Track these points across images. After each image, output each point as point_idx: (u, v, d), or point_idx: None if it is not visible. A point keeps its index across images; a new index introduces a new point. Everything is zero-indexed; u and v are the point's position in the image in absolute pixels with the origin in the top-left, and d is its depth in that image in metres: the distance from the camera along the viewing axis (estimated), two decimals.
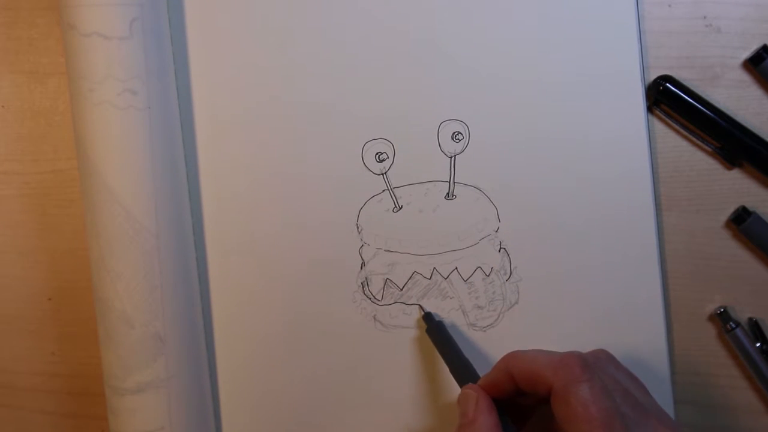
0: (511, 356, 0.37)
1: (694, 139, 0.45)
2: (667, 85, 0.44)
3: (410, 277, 0.45)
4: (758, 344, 0.44)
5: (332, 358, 0.46)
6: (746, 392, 0.46)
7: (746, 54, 0.45)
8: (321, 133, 0.45)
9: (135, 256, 0.42)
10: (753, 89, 0.45)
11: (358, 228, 0.45)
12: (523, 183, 0.45)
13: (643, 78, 0.44)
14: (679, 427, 0.38)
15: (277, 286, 0.46)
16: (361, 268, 0.46)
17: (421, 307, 0.45)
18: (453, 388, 0.45)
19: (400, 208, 0.45)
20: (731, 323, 0.44)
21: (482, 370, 0.45)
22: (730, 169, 0.45)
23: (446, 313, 0.45)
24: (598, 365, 0.35)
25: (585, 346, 0.44)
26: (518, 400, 0.38)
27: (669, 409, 0.44)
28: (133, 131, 0.41)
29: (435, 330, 0.44)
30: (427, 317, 0.44)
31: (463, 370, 0.41)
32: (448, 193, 0.45)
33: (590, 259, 0.45)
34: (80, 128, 0.42)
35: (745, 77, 0.45)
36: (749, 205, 0.45)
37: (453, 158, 0.45)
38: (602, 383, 0.33)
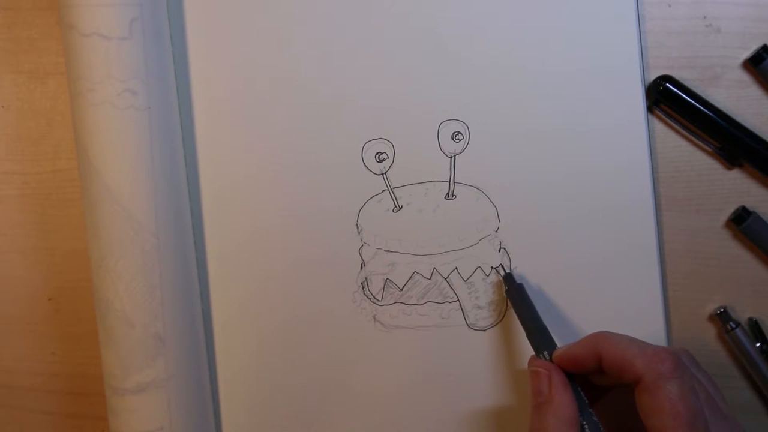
0: (603, 336, 0.36)
1: (694, 139, 0.45)
2: (667, 85, 0.44)
3: (410, 277, 0.45)
4: (758, 344, 0.44)
5: (332, 358, 0.46)
6: (746, 392, 0.46)
7: (746, 54, 0.45)
8: (321, 132, 0.45)
9: (135, 256, 0.42)
10: (753, 89, 0.45)
11: (358, 228, 0.46)
12: (524, 183, 0.45)
13: (643, 78, 0.44)
14: None
15: (277, 286, 0.46)
16: (361, 268, 0.46)
17: (502, 266, 0.45)
18: (453, 388, 0.45)
19: (400, 208, 0.45)
20: (731, 323, 0.44)
21: (483, 371, 0.45)
22: (730, 169, 0.45)
23: (446, 313, 0.45)
24: (686, 366, 0.35)
25: None
26: (592, 378, 0.38)
27: None
28: (133, 131, 0.41)
29: (515, 292, 0.43)
30: (508, 278, 0.44)
31: (539, 336, 0.40)
32: (448, 193, 0.45)
33: (590, 259, 0.45)
34: (80, 128, 0.42)
35: (745, 77, 0.45)
36: (749, 205, 0.45)
37: (453, 158, 0.45)
38: (691, 383, 0.34)
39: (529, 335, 0.41)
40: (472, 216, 0.45)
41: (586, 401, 0.37)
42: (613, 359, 0.35)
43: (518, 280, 0.44)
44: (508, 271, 0.45)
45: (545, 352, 0.39)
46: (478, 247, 0.45)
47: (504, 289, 0.44)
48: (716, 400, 0.35)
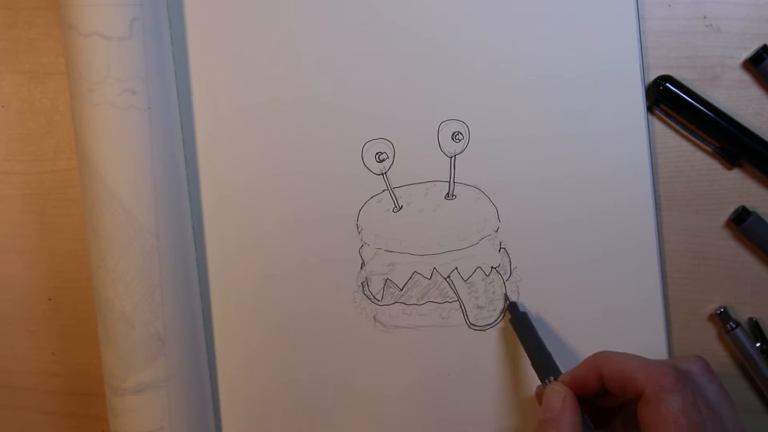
0: (603, 355, 0.36)
1: (694, 139, 0.45)
2: (667, 85, 0.44)
3: (410, 277, 0.45)
4: (758, 344, 0.44)
5: (332, 358, 0.46)
6: (746, 392, 0.46)
7: (746, 54, 0.45)
8: (321, 133, 0.45)
9: (135, 256, 0.42)
10: (753, 89, 0.45)
11: (358, 228, 0.46)
12: (524, 183, 0.45)
13: (643, 78, 0.44)
14: None
15: (277, 286, 0.46)
16: (361, 268, 0.46)
17: (506, 296, 0.45)
18: (453, 388, 0.45)
19: (400, 208, 0.45)
20: (731, 323, 0.44)
21: (483, 371, 0.45)
22: (730, 169, 0.45)
23: (446, 313, 0.45)
24: (691, 377, 0.35)
25: (585, 346, 0.44)
26: (597, 401, 0.38)
27: None
28: (133, 131, 0.41)
29: (519, 320, 0.43)
30: (512, 307, 0.44)
31: (545, 364, 0.40)
32: (448, 193, 0.45)
33: (590, 259, 0.45)
34: (80, 128, 0.42)
35: (745, 77, 0.45)
36: (749, 205, 0.45)
37: (453, 158, 0.45)
38: (693, 396, 0.34)
39: (534, 364, 0.41)
40: (472, 216, 0.45)
41: (591, 426, 0.37)
42: (614, 376, 0.35)
43: (522, 309, 0.44)
44: (512, 300, 0.45)
45: (551, 377, 0.39)
46: (478, 247, 0.45)
47: (508, 317, 0.44)
48: (722, 414, 0.35)
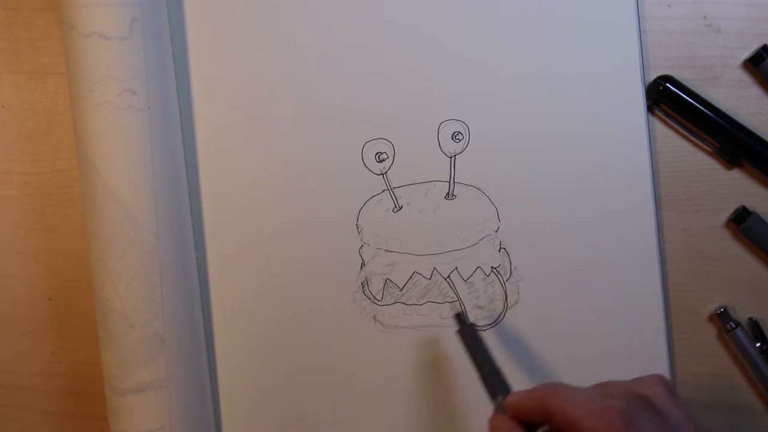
0: (552, 393, 0.35)
1: (694, 139, 0.45)
2: (667, 85, 0.44)
3: (410, 277, 0.45)
4: (758, 344, 0.44)
5: (332, 358, 0.46)
6: (746, 392, 0.46)
7: (746, 54, 0.45)
8: (321, 133, 0.45)
9: (135, 256, 0.42)
10: (753, 89, 0.45)
11: (358, 228, 0.46)
12: (524, 183, 0.45)
13: (643, 78, 0.44)
14: None
15: (277, 286, 0.46)
16: (361, 268, 0.46)
17: (452, 306, 0.44)
18: (454, 389, 0.45)
19: (400, 208, 0.45)
20: (731, 323, 0.44)
21: None
22: (730, 169, 0.45)
23: (446, 313, 0.45)
24: (642, 411, 0.34)
25: (585, 346, 0.44)
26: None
27: None
28: (133, 131, 0.41)
29: (466, 332, 0.42)
30: (459, 318, 0.42)
31: (493, 379, 0.39)
32: (448, 193, 0.45)
33: (590, 259, 0.45)
34: (80, 128, 0.42)
35: (745, 77, 0.45)
36: (749, 205, 0.45)
37: (453, 158, 0.45)
38: None
39: (482, 378, 0.39)
40: (472, 216, 0.45)
41: None
42: (561, 418, 0.34)
43: (469, 320, 0.43)
44: (459, 310, 0.44)
45: (499, 397, 0.38)
46: (478, 247, 0.45)
47: (456, 329, 0.42)
48: None
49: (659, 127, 0.45)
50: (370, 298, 0.46)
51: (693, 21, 0.45)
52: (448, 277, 0.45)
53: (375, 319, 0.46)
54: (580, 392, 0.35)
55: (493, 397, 0.38)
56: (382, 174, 0.45)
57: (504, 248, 0.45)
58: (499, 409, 0.37)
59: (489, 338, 0.45)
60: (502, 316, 0.45)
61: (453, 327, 0.45)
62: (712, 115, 0.44)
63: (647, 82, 0.45)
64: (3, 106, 0.48)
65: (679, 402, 0.35)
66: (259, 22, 0.45)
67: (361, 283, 0.46)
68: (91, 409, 0.48)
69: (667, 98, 0.44)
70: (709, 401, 0.46)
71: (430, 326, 0.45)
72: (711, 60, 0.45)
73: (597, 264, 0.44)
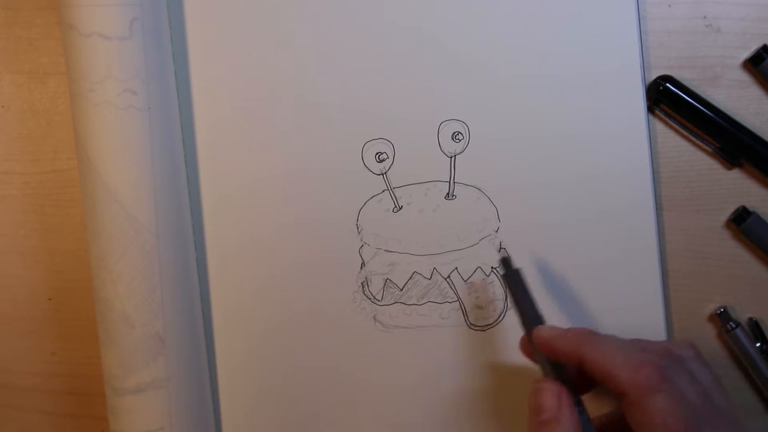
0: (587, 339, 0.35)
1: (694, 139, 0.45)
2: (667, 85, 0.44)
3: (410, 278, 0.45)
4: (758, 344, 0.44)
5: (332, 359, 0.46)
6: (746, 392, 0.46)
7: (746, 54, 0.45)
8: (321, 133, 0.45)
9: (135, 256, 0.42)
10: (753, 89, 0.45)
11: (358, 228, 0.46)
12: (524, 183, 0.45)
13: (643, 78, 0.44)
14: None
15: (277, 286, 0.46)
16: (361, 268, 0.46)
17: (501, 248, 0.44)
18: (454, 389, 0.45)
19: (400, 208, 0.45)
20: (731, 323, 0.44)
21: (483, 370, 0.45)
22: (730, 169, 0.45)
23: (446, 313, 0.45)
24: (677, 370, 0.34)
25: None
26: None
27: None
28: (133, 131, 0.41)
29: (511, 277, 0.41)
30: (505, 262, 0.41)
31: (534, 324, 0.38)
32: (448, 193, 0.45)
33: (590, 259, 0.45)
34: (80, 128, 0.42)
35: (745, 77, 0.45)
36: (749, 205, 0.45)
37: (453, 158, 0.45)
38: (680, 392, 0.33)
39: (523, 322, 0.39)
40: (472, 216, 0.45)
41: (592, 426, 0.35)
42: (595, 368, 0.34)
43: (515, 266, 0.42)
44: (506, 255, 0.43)
45: (552, 378, 0.37)
46: (479, 248, 0.45)
47: (501, 273, 0.42)
48: (714, 400, 0.34)
49: (659, 127, 0.45)
50: (370, 298, 0.46)
51: (693, 21, 0.45)
52: (448, 277, 0.45)
53: (375, 319, 0.46)
54: (617, 343, 0.35)
55: (528, 329, 0.38)
56: (382, 174, 0.45)
57: (504, 248, 0.45)
58: (545, 368, 0.37)
59: (489, 338, 0.45)
60: (502, 316, 0.45)
61: (453, 327, 0.45)
62: (712, 115, 0.44)
63: (647, 82, 0.45)
64: (3, 106, 0.48)
65: (710, 367, 0.36)
66: (259, 22, 0.45)
67: (361, 283, 0.46)
68: (91, 409, 0.48)
69: (667, 98, 0.44)
70: None
71: (430, 326, 0.45)
72: (711, 60, 0.45)
73: (597, 264, 0.44)
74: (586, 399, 0.37)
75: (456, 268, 0.45)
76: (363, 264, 0.46)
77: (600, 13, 0.44)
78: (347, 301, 0.46)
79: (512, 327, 0.45)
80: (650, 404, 0.32)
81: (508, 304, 0.45)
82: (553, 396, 0.35)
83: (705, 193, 0.45)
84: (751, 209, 0.45)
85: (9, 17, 0.48)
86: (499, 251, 0.44)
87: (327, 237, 0.46)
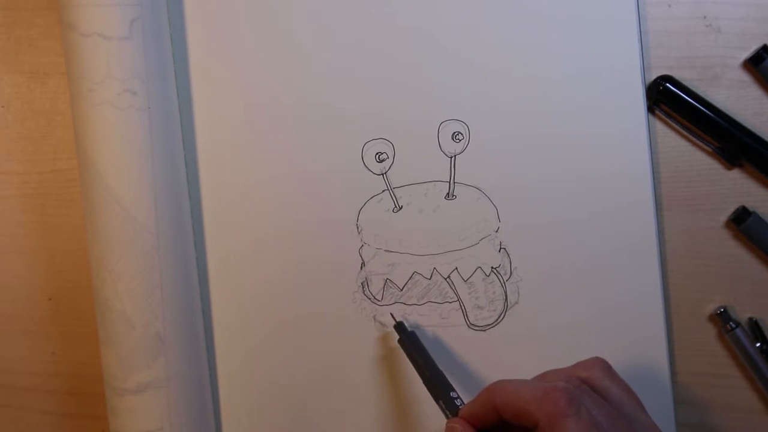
0: (495, 388, 0.36)
1: (694, 139, 0.45)
2: (667, 85, 0.44)
3: (410, 278, 0.45)
4: (758, 344, 0.44)
5: (332, 359, 0.46)
6: (746, 392, 0.46)
7: (746, 54, 0.45)
8: (321, 133, 0.45)
9: (135, 256, 0.42)
10: (753, 89, 0.45)
11: (358, 228, 0.46)
12: (524, 183, 0.45)
13: (643, 78, 0.44)
14: None
15: (277, 287, 0.46)
16: (361, 268, 0.46)
17: (392, 315, 0.45)
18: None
19: (400, 208, 0.45)
20: (731, 323, 0.44)
21: (483, 370, 0.45)
22: (730, 169, 0.45)
23: (446, 313, 0.45)
24: (584, 390, 0.35)
25: (585, 346, 0.44)
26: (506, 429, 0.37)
27: (669, 409, 0.44)
28: (133, 131, 0.41)
29: (407, 340, 0.43)
30: (399, 327, 0.44)
31: (436, 384, 0.41)
32: (448, 194, 0.45)
33: (590, 259, 0.45)
34: (80, 128, 0.42)
35: (745, 77, 0.45)
36: (749, 205, 0.45)
37: (453, 158, 0.45)
38: (589, 415, 0.33)
39: (426, 383, 0.41)
40: (472, 216, 0.45)
41: None
42: (508, 409, 0.35)
43: (411, 329, 0.44)
44: (399, 320, 0.44)
45: (441, 402, 0.39)
46: (479, 248, 0.45)
47: (396, 338, 0.44)
48: (625, 412, 0.35)
49: (659, 127, 0.45)
50: (370, 298, 0.46)
51: (693, 21, 0.45)
52: (448, 277, 0.45)
53: (375, 319, 0.46)
54: (523, 382, 0.36)
55: (437, 399, 0.40)
56: (382, 174, 0.45)
57: (504, 248, 0.45)
58: (450, 408, 0.39)
59: (489, 338, 0.45)
60: (502, 316, 0.45)
61: (453, 327, 0.45)
62: (712, 115, 0.44)
63: (647, 82, 0.45)
64: (3, 106, 0.48)
65: (618, 380, 0.37)
66: (259, 23, 0.45)
67: (361, 284, 0.46)
68: (91, 409, 0.48)
69: (667, 98, 0.44)
70: (709, 401, 0.46)
71: (430, 326, 0.45)
72: (711, 60, 0.45)
73: (597, 264, 0.44)
74: None
75: (456, 268, 0.45)
76: (363, 264, 0.46)
77: (600, 13, 0.44)
78: (347, 301, 0.46)
79: (512, 327, 0.45)
80: (561, 430, 0.33)
81: (508, 304, 0.45)
82: None
83: (705, 193, 0.45)
84: (751, 209, 0.45)
85: (9, 17, 0.48)
86: (390, 317, 0.45)
87: (327, 237, 0.46)
